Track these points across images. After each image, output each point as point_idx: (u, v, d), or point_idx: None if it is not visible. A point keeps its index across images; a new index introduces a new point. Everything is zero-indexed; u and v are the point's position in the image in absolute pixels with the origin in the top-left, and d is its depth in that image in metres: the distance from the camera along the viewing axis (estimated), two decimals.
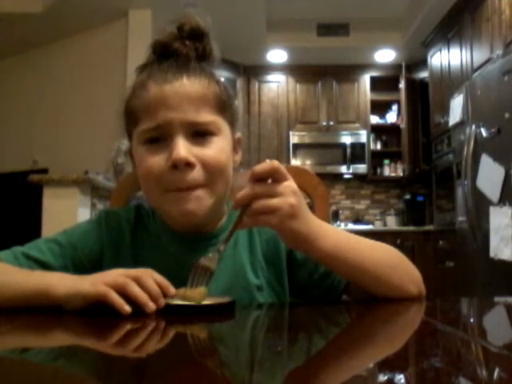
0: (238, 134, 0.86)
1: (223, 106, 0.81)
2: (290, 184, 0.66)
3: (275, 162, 0.65)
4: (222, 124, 0.80)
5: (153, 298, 0.64)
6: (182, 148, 0.74)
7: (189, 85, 0.77)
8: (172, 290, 0.66)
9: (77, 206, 2.95)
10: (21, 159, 4.75)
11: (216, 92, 0.80)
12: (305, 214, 0.68)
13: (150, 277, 0.66)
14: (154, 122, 0.76)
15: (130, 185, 1.10)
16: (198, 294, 0.67)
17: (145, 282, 0.65)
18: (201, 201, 0.77)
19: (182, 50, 0.81)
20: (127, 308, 0.62)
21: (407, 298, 0.75)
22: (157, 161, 0.76)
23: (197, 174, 0.75)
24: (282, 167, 0.66)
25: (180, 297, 0.67)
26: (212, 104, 0.79)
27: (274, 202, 0.64)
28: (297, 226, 0.67)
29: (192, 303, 0.66)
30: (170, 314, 0.65)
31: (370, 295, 0.76)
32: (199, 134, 0.77)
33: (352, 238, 0.75)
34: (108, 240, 0.84)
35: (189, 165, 0.75)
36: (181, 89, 0.77)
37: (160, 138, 0.77)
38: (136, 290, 0.64)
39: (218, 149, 0.78)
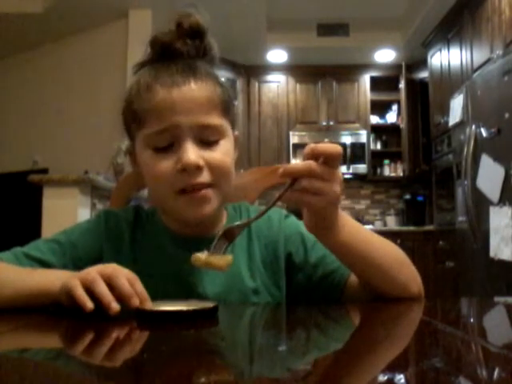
0: (236, 133, 0.87)
1: (227, 108, 0.82)
2: (340, 173, 0.66)
3: (340, 148, 0.64)
4: (226, 126, 0.81)
5: (124, 298, 0.61)
6: (192, 152, 0.75)
7: (196, 89, 0.77)
8: (149, 302, 0.63)
9: (77, 206, 2.95)
10: (21, 159, 4.75)
11: (221, 95, 0.80)
12: (338, 204, 0.69)
13: (124, 276, 0.63)
14: (162, 125, 0.76)
15: (130, 185, 1.10)
16: (224, 261, 0.64)
17: (116, 282, 0.62)
18: (210, 200, 0.78)
19: (183, 49, 0.81)
20: (89, 304, 0.60)
21: (408, 296, 0.75)
22: (166, 165, 0.76)
23: (204, 175, 0.76)
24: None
25: (202, 262, 0.64)
26: (218, 107, 0.79)
27: (326, 186, 0.64)
28: (329, 214, 0.68)
29: (191, 308, 0.63)
30: (150, 321, 0.62)
31: (367, 297, 0.77)
32: (206, 137, 0.77)
33: (365, 230, 0.76)
34: (107, 240, 0.84)
35: (198, 168, 0.75)
36: (189, 93, 0.77)
37: (167, 146, 0.76)
38: (102, 289, 0.61)
39: (224, 151, 0.79)
